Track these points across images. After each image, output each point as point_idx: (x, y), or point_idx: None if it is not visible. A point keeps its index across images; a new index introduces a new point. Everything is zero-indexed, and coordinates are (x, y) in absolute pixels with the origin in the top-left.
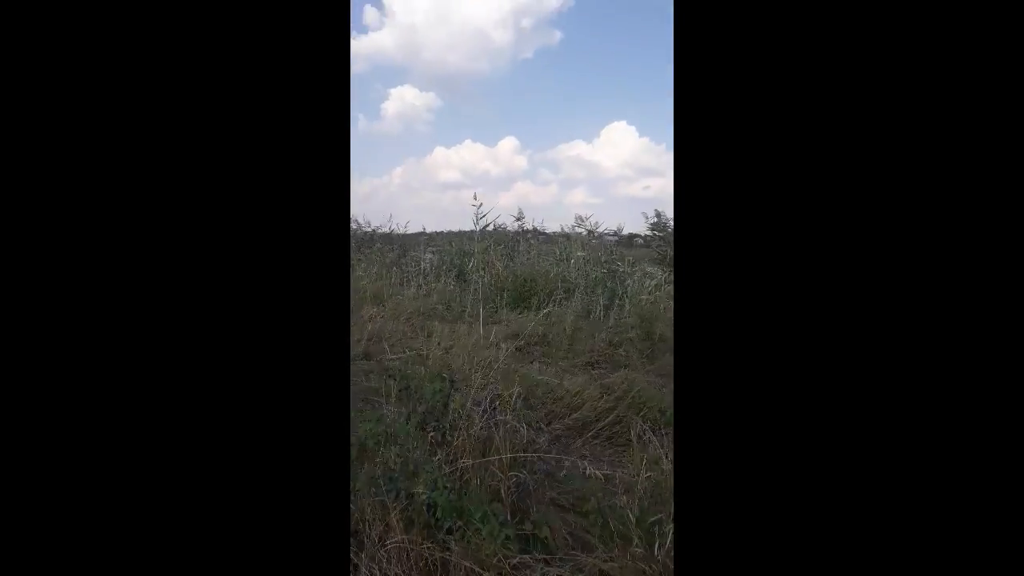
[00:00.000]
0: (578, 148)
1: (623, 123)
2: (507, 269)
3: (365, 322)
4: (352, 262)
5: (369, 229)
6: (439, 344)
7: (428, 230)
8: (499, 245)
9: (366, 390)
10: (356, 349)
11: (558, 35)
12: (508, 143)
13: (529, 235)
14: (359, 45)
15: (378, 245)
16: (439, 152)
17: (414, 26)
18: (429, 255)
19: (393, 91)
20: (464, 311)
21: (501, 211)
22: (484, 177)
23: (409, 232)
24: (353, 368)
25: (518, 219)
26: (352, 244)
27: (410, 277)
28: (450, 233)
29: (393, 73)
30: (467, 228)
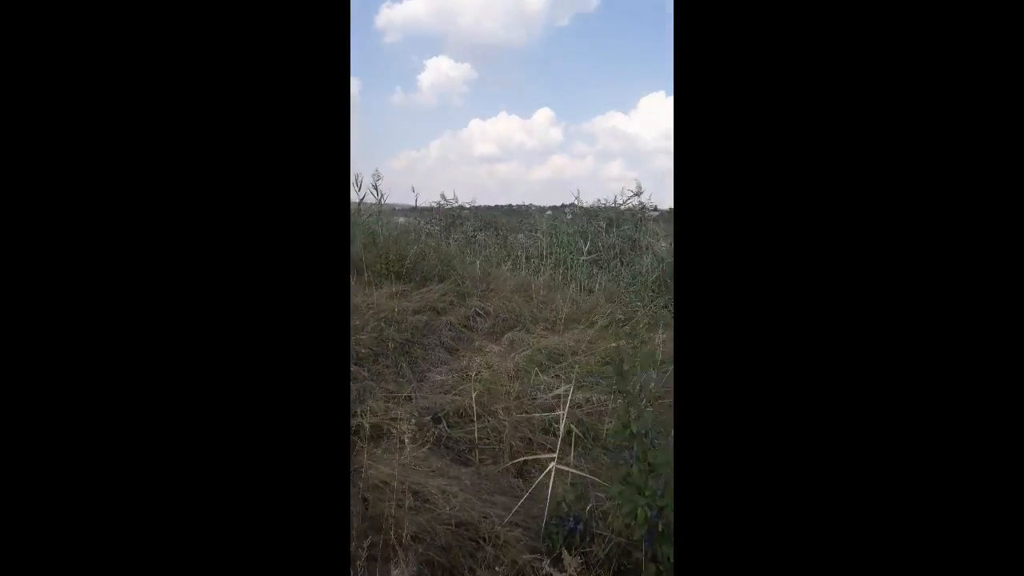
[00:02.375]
0: (614, 119)
1: (662, 94)
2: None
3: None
4: (454, 246)
5: (456, 204)
6: None
7: (472, 204)
8: (611, 225)
9: None
10: None
11: (595, 0)
12: (543, 115)
13: (638, 212)
14: (394, 15)
15: (470, 223)
16: (475, 124)
17: None
18: (521, 236)
19: (428, 62)
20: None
21: (534, 184)
22: (519, 150)
23: (462, 205)
24: None
25: (637, 194)
26: (443, 221)
27: (519, 261)
28: (508, 207)
29: (428, 43)
30: (516, 202)
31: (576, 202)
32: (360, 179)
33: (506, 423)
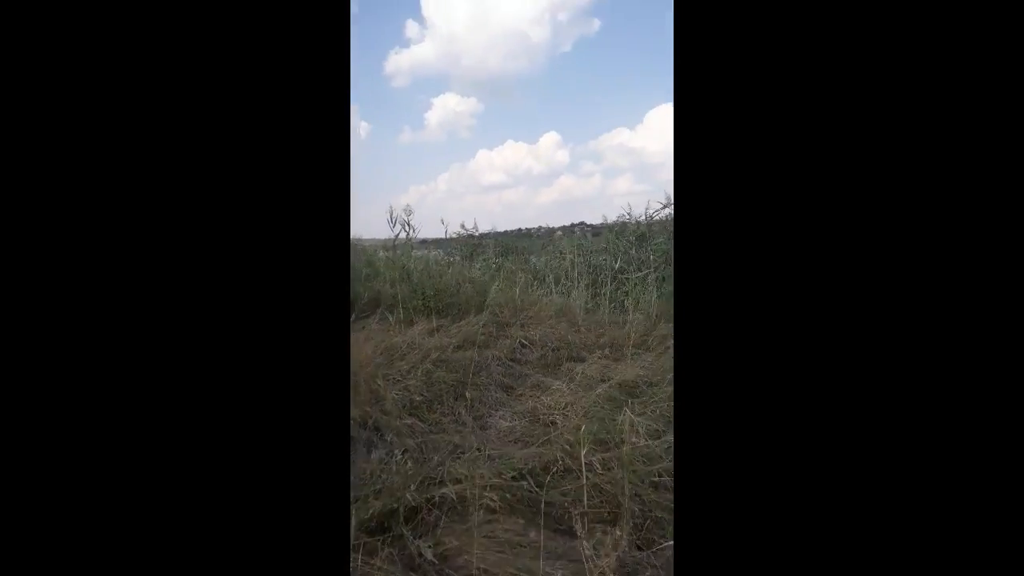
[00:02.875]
0: (621, 136)
1: (668, 106)
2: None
3: None
4: (479, 274)
5: (476, 232)
6: None
7: (493, 231)
8: (641, 239)
9: None
10: None
11: (597, 23)
12: (549, 139)
13: (670, 225)
14: (401, 60)
15: (491, 250)
16: (482, 155)
17: (454, 35)
18: (544, 258)
19: (435, 100)
20: None
21: (542, 207)
22: (526, 175)
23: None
24: None
25: (666, 206)
26: (463, 251)
27: (548, 285)
28: (518, 231)
29: (435, 83)
30: (526, 226)
31: (626, 216)
32: (395, 215)
33: (623, 480)
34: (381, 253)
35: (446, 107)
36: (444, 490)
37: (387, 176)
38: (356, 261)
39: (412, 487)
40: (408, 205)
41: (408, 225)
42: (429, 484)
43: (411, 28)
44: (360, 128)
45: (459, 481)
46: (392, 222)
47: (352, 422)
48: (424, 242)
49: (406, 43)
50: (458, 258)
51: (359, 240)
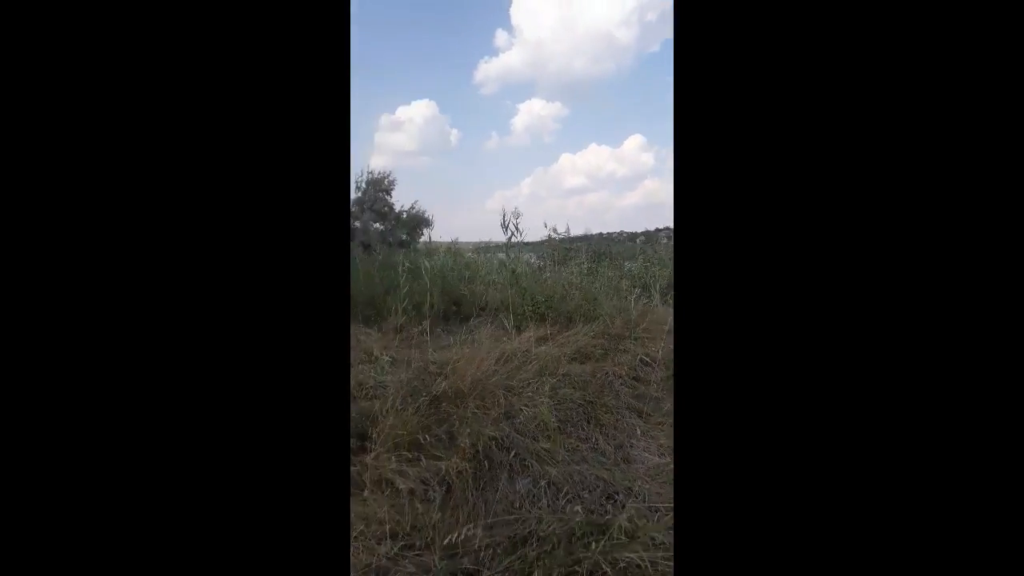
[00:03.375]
0: None
1: None
2: None
3: None
4: (576, 279)
5: (569, 235)
6: None
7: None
8: None
9: None
10: None
11: None
12: (633, 141)
13: None
14: (490, 68)
15: (583, 254)
16: (565, 159)
17: (541, 40)
18: (632, 263)
19: (521, 106)
20: None
21: (624, 210)
22: (609, 179)
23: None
24: None
25: None
26: (555, 254)
27: (651, 294)
28: (598, 236)
29: (522, 88)
30: (607, 230)
31: None
32: (506, 217)
33: None
34: (471, 255)
35: (531, 112)
36: (629, 555)
37: (475, 181)
38: (456, 264)
39: (594, 546)
40: (516, 208)
41: (517, 229)
42: (598, 534)
43: (500, 37)
44: (451, 135)
45: (634, 536)
46: (505, 225)
47: (491, 441)
48: (512, 245)
49: (495, 52)
50: (550, 263)
51: (455, 243)
